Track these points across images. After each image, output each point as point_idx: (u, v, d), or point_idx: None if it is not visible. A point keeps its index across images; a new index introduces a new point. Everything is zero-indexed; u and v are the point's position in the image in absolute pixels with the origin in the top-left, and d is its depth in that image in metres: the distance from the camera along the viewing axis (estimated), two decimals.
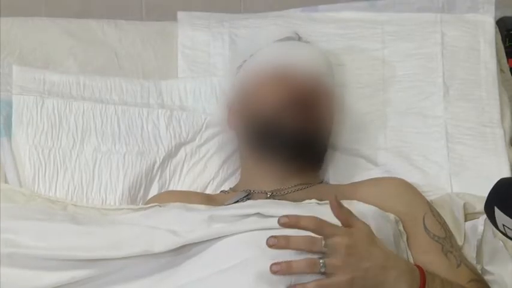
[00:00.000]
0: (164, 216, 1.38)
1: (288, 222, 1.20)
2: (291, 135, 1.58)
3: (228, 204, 1.50)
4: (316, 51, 1.73)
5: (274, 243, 1.19)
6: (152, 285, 1.28)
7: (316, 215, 1.28)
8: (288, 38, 1.75)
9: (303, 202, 1.44)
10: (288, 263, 1.18)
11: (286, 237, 1.19)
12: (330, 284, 1.20)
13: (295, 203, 1.43)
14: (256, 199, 1.53)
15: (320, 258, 1.20)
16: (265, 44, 1.73)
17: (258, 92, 1.64)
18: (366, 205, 1.42)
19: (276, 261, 1.18)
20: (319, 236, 1.21)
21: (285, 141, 1.58)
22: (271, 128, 1.59)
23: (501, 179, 1.30)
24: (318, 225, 1.22)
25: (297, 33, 1.76)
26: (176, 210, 1.40)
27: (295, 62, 1.65)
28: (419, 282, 1.27)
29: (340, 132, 1.73)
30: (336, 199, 1.24)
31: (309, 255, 1.21)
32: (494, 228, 1.47)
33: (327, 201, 1.41)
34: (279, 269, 1.18)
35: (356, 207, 1.41)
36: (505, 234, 1.28)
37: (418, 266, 1.31)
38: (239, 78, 1.72)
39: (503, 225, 1.27)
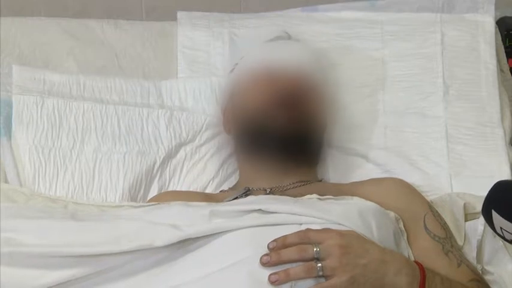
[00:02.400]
0: (165, 212, 1.38)
1: (277, 245, 1.24)
2: (281, 134, 1.58)
3: (228, 201, 1.50)
4: (304, 49, 1.72)
5: (268, 261, 1.22)
6: (152, 280, 1.28)
7: (317, 210, 1.29)
8: (278, 38, 1.75)
9: (304, 197, 1.45)
10: (286, 271, 1.21)
11: (278, 253, 1.23)
12: (330, 286, 1.21)
13: (295, 198, 1.43)
14: (256, 195, 1.54)
15: (317, 262, 1.22)
16: (255, 45, 1.73)
17: (247, 93, 1.65)
18: (366, 202, 1.42)
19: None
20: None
21: (276, 140, 1.58)
22: (261, 128, 1.59)
23: (498, 182, 1.30)
24: (304, 237, 1.25)
25: (286, 32, 1.77)
26: (177, 206, 1.40)
27: (282, 61, 1.65)
28: (420, 277, 1.27)
29: (339, 132, 1.73)
30: (302, 232, 1.26)
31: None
32: None
33: (329, 196, 1.42)
34: (277, 279, 1.21)
35: (357, 203, 1.41)
36: (503, 237, 1.28)
37: (417, 263, 1.32)
38: (230, 82, 1.73)
39: (501, 228, 1.27)
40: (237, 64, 1.74)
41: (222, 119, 1.74)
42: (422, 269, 1.29)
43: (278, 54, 1.67)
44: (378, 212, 1.39)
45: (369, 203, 1.41)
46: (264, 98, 1.60)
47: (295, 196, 1.45)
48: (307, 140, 1.62)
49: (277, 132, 1.58)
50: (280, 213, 1.32)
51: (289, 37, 1.76)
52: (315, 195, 1.44)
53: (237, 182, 1.70)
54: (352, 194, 1.48)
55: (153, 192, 1.70)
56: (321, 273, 1.21)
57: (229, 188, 1.69)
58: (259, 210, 1.33)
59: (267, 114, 1.59)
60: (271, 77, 1.62)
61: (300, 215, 1.31)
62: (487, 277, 1.49)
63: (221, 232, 1.29)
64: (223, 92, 1.76)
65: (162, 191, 1.71)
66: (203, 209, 1.36)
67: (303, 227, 1.29)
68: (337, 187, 1.60)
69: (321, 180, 1.67)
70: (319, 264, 1.21)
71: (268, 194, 1.56)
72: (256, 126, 1.60)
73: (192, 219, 1.33)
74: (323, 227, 1.28)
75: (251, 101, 1.63)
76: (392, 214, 1.45)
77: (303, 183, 1.59)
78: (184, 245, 1.29)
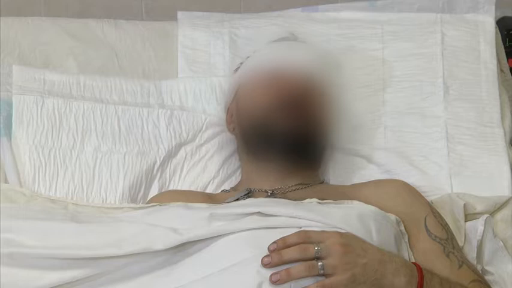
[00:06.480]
0: (165, 214, 1.38)
1: (277, 246, 1.24)
2: (286, 135, 1.58)
3: (228, 202, 1.50)
4: (311, 50, 1.72)
5: (269, 262, 1.22)
6: (152, 283, 1.28)
7: (317, 214, 1.29)
8: (284, 39, 1.75)
9: (304, 201, 1.45)
10: (287, 270, 1.21)
11: (279, 253, 1.23)
12: (331, 283, 1.21)
13: (295, 201, 1.43)
14: (257, 197, 1.54)
15: (317, 260, 1.22)
16: (261, 46, 1.73)
17: (253, 94, 1.64)
18: (366, 205, 1.42)
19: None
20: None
21: (281, 142, 1.58)
22: (266, 128, 1.59)
23: None
24: (306, 236, 1.26)
25: (292, 33, 1.76)
26: (177, 209, 1.41)
27: (289, 62, 1.64)
28: (418, 277, 1.28)
29: (340, 133, 1.73)
30: (302, 232, 1.26)
31: None
32: (495, 228, 1.48)
33: (328, 201, 1.43)
34: (278, 279, 1.21)
35: (356, 207, 1.41)
36: None
37: (415, 264, 1.32)
38: (236, 81, 1.72)
39: None
40: (242, 63, 1.74)
41: (225, 117, 1.74)
42: (420, 269, 1.29)
43: (285, 55, 1.67)
44: (378, 216, 1.39)
45: (369, 206, 1.41)
46: (271, 98, 1.60)
47: (295, 199, 1.45)
48: (312, 142, 1.62)
49: (283, 133, 1.58)
50: (280, 216, 1.33)
51: (295, 38, 1.76)
52: (314, 200, 1.44)
53: (239, 182, 1.70)
54: (353, 197, 1.49)
55: (153, 192, 1.70)
56: (322, 271, 1.22)
57: (231, 188, 1.69)
58: (259, 213, 1.34)
59: (273, 115, 1.59)
60: (279, 78, 1.62)
61: (300, 218, 1.32)
62: (487, 277, 1.49)
63: (221, 235, 1.29)
64: (227, 90, 1.75)
65: (163, 191, 1.71)
66: (203, 211, 1.36)
67: None
68: (338, 189, 1.60)
69: (322, 182, 1.67)
70: (320, 263, 1.22)
71: (269, 196, 1.56)
72: (262, 126, 1.60)
73: (191, 222, 1.33)
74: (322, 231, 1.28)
75: (258, 101, 1.62)
76: (393, 217, 1.45)
77: (304, 186, 1.59)
78: (184, 248, 1.29)
